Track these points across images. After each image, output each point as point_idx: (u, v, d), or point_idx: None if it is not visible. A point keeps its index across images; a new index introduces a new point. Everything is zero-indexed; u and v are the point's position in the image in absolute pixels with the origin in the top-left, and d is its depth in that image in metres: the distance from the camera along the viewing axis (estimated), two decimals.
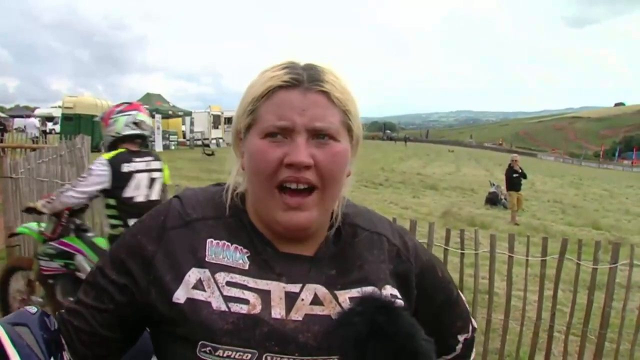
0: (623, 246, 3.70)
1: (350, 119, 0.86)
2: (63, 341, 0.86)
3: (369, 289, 0.88)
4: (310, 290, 0.86)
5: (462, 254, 3.74)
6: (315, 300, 0.86)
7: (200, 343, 0.80)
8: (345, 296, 0.87)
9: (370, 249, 0.94)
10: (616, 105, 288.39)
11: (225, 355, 0.80)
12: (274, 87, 0.83)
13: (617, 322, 3.66)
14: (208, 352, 0.80)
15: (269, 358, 0.81)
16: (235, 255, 0.86)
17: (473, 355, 1.10)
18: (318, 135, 0.83)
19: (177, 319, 0.82)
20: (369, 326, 0.76)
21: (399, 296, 0.91)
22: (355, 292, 0.88)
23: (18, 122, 30.97)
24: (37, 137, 21.61)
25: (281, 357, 0.81)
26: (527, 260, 3.68)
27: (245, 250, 0.87)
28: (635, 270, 3.52)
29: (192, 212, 0.89)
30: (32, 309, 0.85)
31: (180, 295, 0.83)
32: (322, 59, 0.88)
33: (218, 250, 0.86)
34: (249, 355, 0.80)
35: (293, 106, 0.82)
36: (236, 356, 0.80)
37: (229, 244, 0.87)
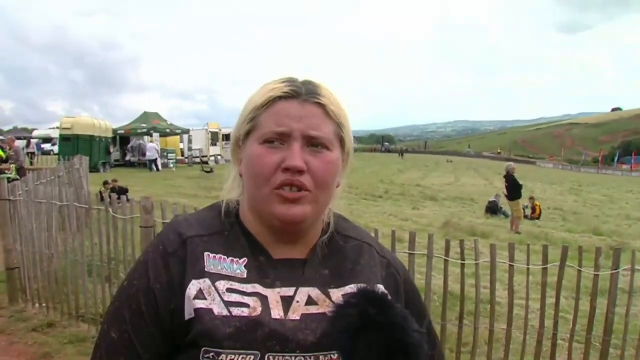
0: (624, 252, 3.69)
1: (343, 131, 0.92)
2: None
3: (362, 285, 0.90)
4: (304, 293, 0.90)
5: (463, 264, 3.72)
6: (310, 301, 0.89)
7: (203, 350, 0.82)
8: (339, 294, 0.90)
9: (361, 255, 0.98)
10: (613, 110, 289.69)
11: (228, 359, 0.81)
12: (274, 97, 0.89)
13: (621, 328, 3.63)
14: (211, 357, 0.81)
15: (271, 358, 0.82)
16: (233, 266, 0.90)
17: None
18: (313, 143, 0.88)
19: (184, 331, 0.85)
20: (361, 318, 0.78)
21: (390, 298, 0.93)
22: (348, 289, 0.91)
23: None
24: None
25: (283, 356, 0.83)
26: (528, 268, 3.67)
27: (241, 261, 0.91)
28: (637, 276, 3.50)
29: (186, 231, 0.93)
30: None
31: (189, 311, 0.85)
32: (317, 77, 0.94)
33: (216, 262, 0.90)
34: (252, 357, 0.82)
35: (291, 114, 0.88)
36: (239, 359, 0.81)
37: (225, 257, 0.91)
